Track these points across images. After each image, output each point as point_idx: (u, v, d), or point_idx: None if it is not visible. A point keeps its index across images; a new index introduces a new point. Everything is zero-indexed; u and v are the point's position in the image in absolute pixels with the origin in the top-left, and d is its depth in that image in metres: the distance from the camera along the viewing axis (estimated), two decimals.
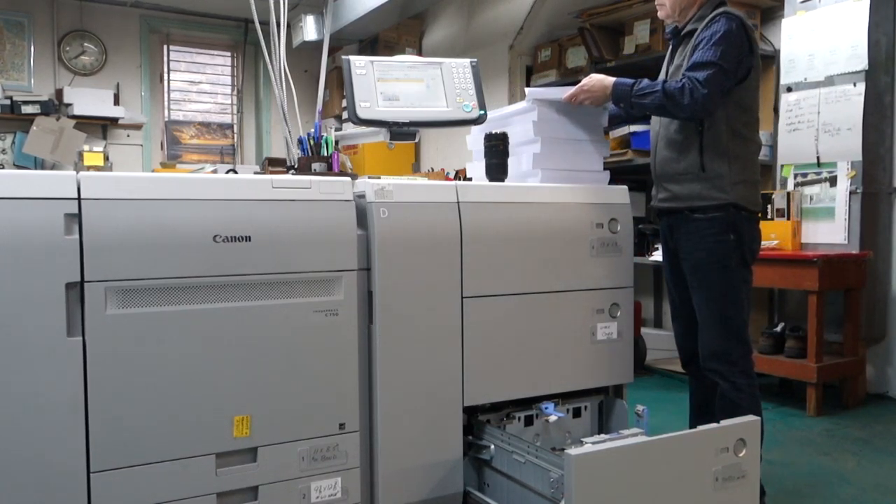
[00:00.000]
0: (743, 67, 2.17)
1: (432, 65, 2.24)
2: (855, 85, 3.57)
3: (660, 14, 2.41)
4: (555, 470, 1.80)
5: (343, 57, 2.21)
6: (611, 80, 2.25)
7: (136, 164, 6.81)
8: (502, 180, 2.26)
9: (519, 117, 2.42)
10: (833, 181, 3.67)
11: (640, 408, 2.13)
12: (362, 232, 1.92)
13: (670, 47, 2.42)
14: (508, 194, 2.12)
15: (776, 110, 4.08)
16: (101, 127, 6.56)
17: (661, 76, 2.40)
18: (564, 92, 2.33)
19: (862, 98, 3.54)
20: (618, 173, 3.21)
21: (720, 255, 2.20)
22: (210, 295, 1.72)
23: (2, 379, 1.52)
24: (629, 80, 2.22)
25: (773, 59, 4.21)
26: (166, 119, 7.16)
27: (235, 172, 5.47)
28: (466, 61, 2.27)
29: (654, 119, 2.40)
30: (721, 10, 2.21)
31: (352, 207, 1.89)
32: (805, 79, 3.78)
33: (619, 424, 2.28)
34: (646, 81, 2.20)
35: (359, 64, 2.16)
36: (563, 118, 2.35)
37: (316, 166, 2.39)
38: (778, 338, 3.72)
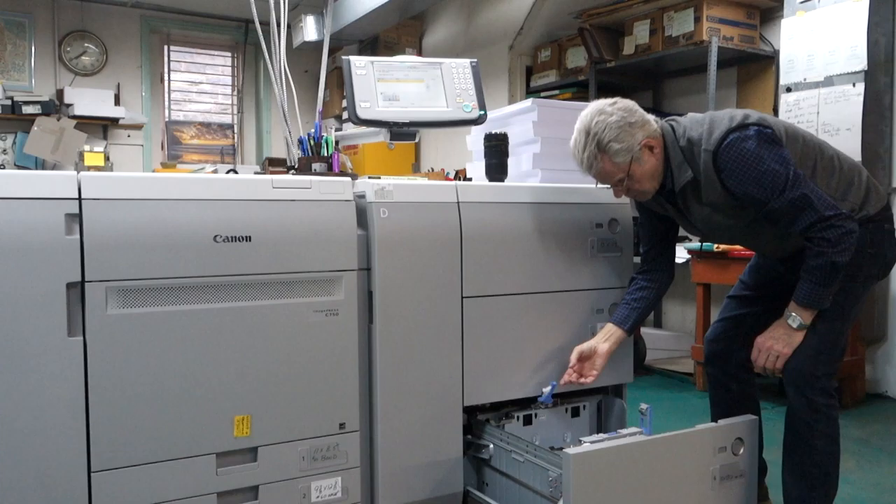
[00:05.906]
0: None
1: (432, 65, 2.25)
2: (854, 85, 3.57)
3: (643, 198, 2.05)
4: (553, 469, 1.81)
5: (343, 57, 2.21)
6: (785, 326, 1.97)
7: (137, 164, 6.82)
8: (502, 180, 2.26)
9: (519, 117, 2.42)
10: None
11: (643, 406, 2.12)
12: (362, 232, 1.92)
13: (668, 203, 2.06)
14: (508, 194, 2.13)
15: (775, 110, 4.09)
16: (101, 127, 6.57)
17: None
18: None
19: (861, 98, 3.54)
20: None
21: (851, 267, 1.90)
22: (210, 295, 1.72)
23: (2, 379, 1.52)
24: (803, 295, 1.90)
25: (772, 59, 4.23)
26: (167, 119, 7.17)
27: (236, 172, 5.48)
28: (466, 61, 2.28)
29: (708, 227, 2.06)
30: (716, 139, 1.85)
31: (352, 207, 1.90)
32: (804, 79, 3.78)
33: (618, 424, 2.28)
34: (805, 282, 1.89)
35: (359, 64, 2.16)
36: (563, 118, 2.35)
37: (316, 166, 2.39)
38: None
